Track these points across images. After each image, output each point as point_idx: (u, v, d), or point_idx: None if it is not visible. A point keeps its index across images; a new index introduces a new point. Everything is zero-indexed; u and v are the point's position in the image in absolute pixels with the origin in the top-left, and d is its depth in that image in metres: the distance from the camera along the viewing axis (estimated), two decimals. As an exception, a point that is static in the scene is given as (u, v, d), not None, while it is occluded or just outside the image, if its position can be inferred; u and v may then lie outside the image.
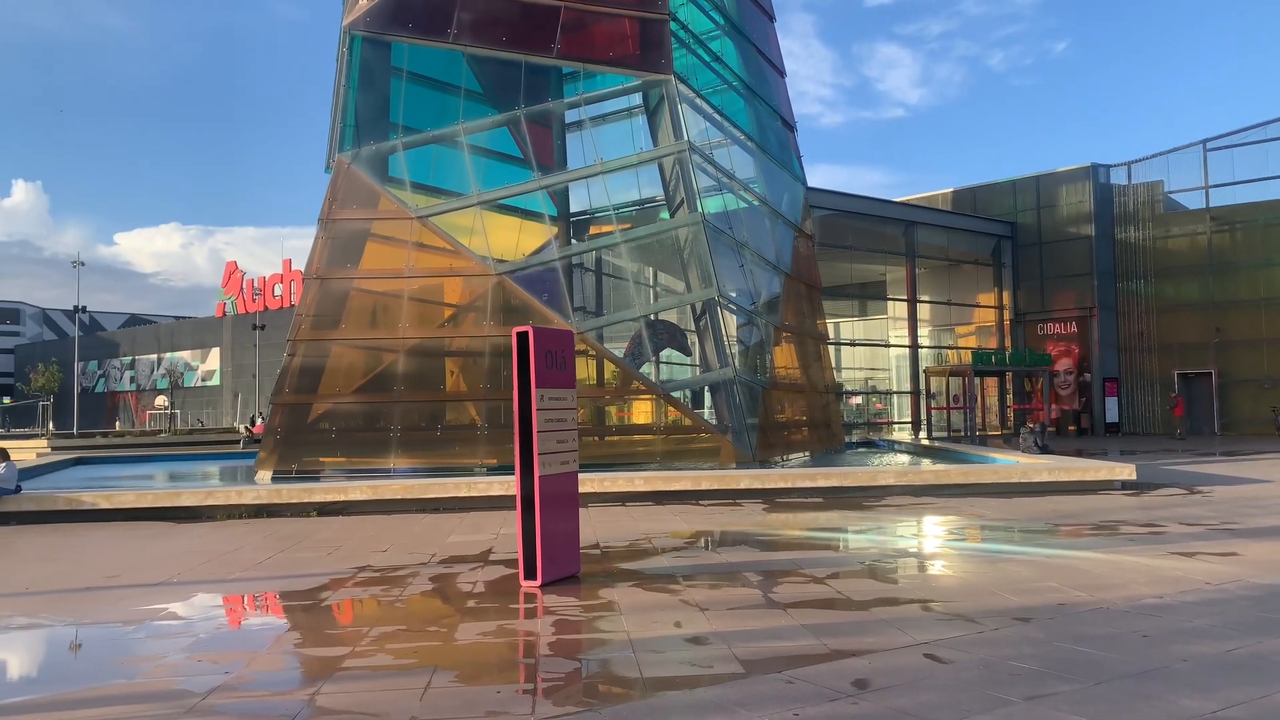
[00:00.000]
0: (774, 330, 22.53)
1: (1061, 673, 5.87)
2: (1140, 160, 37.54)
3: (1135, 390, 37.28)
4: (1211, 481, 18.05)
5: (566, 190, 23.55)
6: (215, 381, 74.70)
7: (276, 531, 13.22)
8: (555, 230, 22.45)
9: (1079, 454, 23.80)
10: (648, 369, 20.91)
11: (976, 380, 35.31)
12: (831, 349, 30.51)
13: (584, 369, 21.00)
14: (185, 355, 78.05)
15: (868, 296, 41.89)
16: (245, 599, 9.26)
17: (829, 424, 25.63)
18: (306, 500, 15.28)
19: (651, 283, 25.95)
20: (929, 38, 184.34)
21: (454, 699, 5.65)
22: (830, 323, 32.13)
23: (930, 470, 18.37)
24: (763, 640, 6.82)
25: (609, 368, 21.67)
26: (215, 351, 75.35)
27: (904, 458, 24.69)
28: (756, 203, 23.77)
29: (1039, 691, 5.51)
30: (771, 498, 15.94)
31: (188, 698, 5.73)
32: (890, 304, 40.71)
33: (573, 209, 24.34)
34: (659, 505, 15.32)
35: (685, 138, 20.17)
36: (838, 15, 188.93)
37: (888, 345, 40.49)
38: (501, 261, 20.00)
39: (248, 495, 15.61)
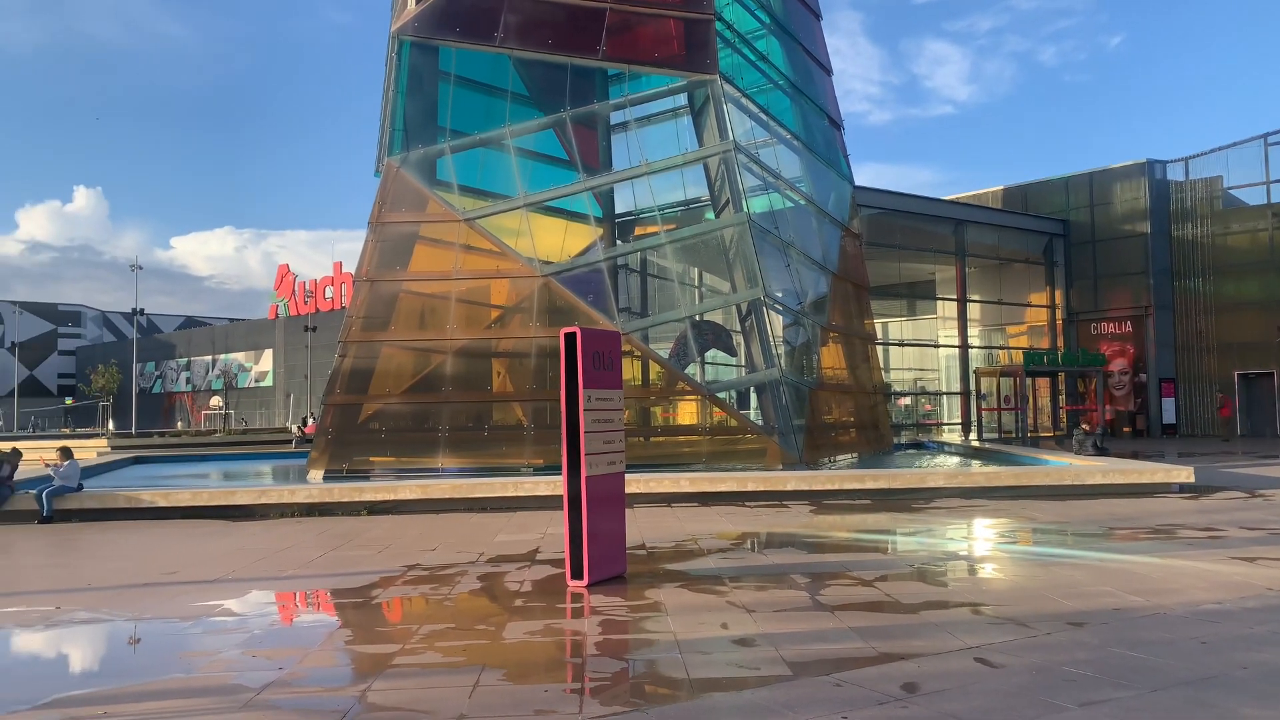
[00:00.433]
0: (821, 330, 22.37)
1: (1117, 679, 5.75)
2: (1198, 155, 36.64)
3: (1193, 391, 36.38)
4: (1273, 485, 17.56)
5: (612, 191, 23.60)
6: (268, 382, 76.08)
7: (328, 530, 13.43)
8: (600, 231, 22.52)
9: (1135, 456, 23.30)
10: (693, 370, 20.87)
11: (1028, 381, 34.73)
12: (880, 349, 30.19)
13: (629, 370, 21.04)
14: (239, 357, 79.63)
15: (916, 296, 41.40)
16: (298, 596, 9.42)
17: (877, 425, 25.38)
18: (357, 499, 15.51)
19: (697, 283, 25.91)
20: (978, 34, 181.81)
21: (502, 697, 5.70)
22: (878, 323, 31.81)
23: (981, 472, 18.11)
24: (810, 642, 6.78)
25: (654, 369, 21.68)
26: (268, 353, 76.75)
27: (954, 459, 24.37)
28: (803, 202, 23.62)
29: (1093, 698, 5.41)
30: (819, 499, 15.83)
31: (243, 693, 5.85)
32: (939, 304, 40.19)
33: (618, 210, 24.39)
34: (704, 506, 15.30)
35: (730, 137, 20.11)
36: (885, 12, 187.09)
37: (937, 345, 39.98)
38: (547, 263, 20.11)
39: (300, 494, 15.88)
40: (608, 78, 22.47)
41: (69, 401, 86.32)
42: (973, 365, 36.83)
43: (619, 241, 23.93)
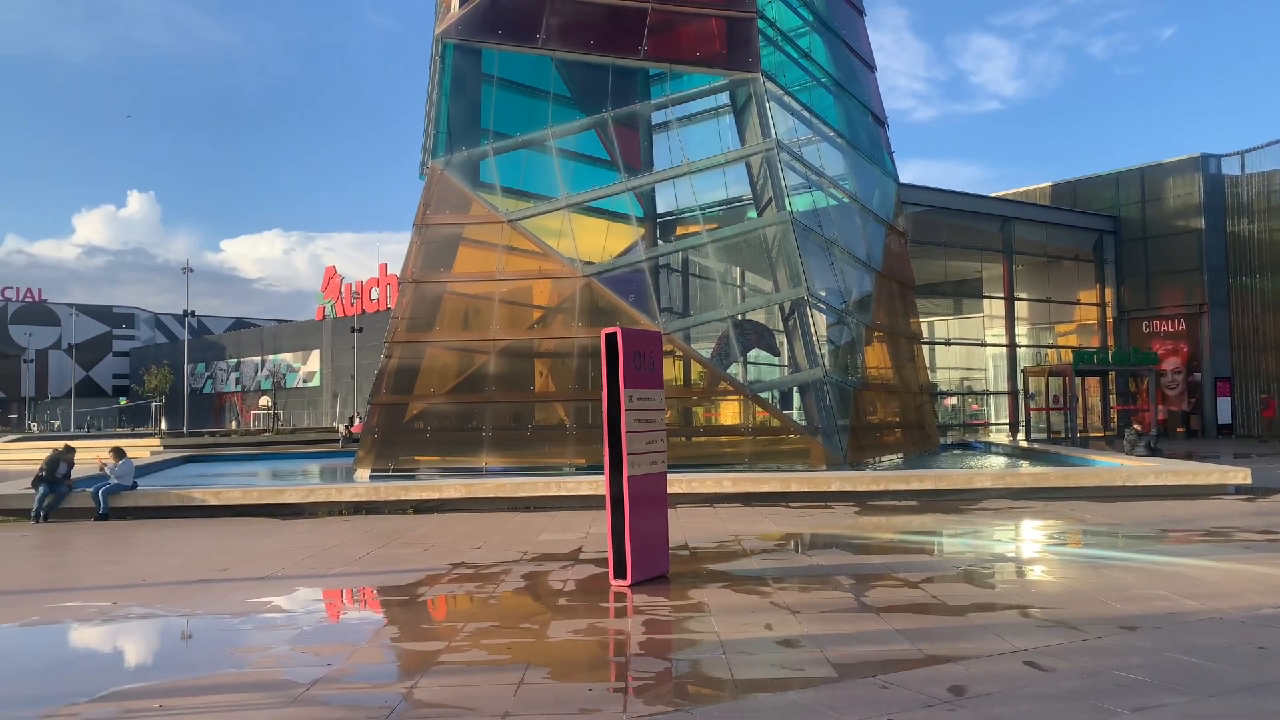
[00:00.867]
0: (865, 330, 22.17)
1: (1171, 684, 5.63)
2: (1254, 149, 35.68)
3: (1250, 390, 35.45)
4: (1335, 486, 17.07)
5: (653, 191, 23.60)
6: (316, 383, 77.18)
7: (374, 528, 13.59)
8: (642, 231, 22.52)
9: (1189, 457, 22.79)
10: (735, 370, 20.80)
11: (1077, 380, 34.08)
12: (925, 348, 29.86)
13: (671, 370, 21.02)
14: (287, 357, 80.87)
15: (963, 294, 40.85)
16: (345, 593, 9.55)
17: (923, 425, 25.10)
18: (403, 498, 15.68)
19: (739, 283, 25.82)
20: (1026, 27, 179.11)
21: (547, 695, 5.73)
22: (924, 321, 31.45)
23: (1029, 473, 17.83)
24: (855, 644, 6.72)
25: (696, 368, 21.63)
26: (315, 354, 77.86)
27: (1001, 460, 24.02)
28: (846, 200, 23.42)
29: (1147, 703, 5.30)
30: (863, 500, 15.70)
31: (292, 688, 5.94)
32: (986, 302, 39.62)
33: (659, 210, 24.38)
34: (747, 507, 15.24)
35: (773, 136, 20.01)
36: (930, 7, 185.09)
37: (984, 344, 39.42)
38: (589, 263, 20.17)
39: (347, 493, 16.10)
40: (649, 77, 22.48)
41: (123, 402, 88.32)
42: (1020, 364, 36.26)
43: (660, 241, 23.92)
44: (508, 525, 13.58)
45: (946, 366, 41.03)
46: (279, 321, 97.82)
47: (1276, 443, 30.82)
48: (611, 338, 9.03)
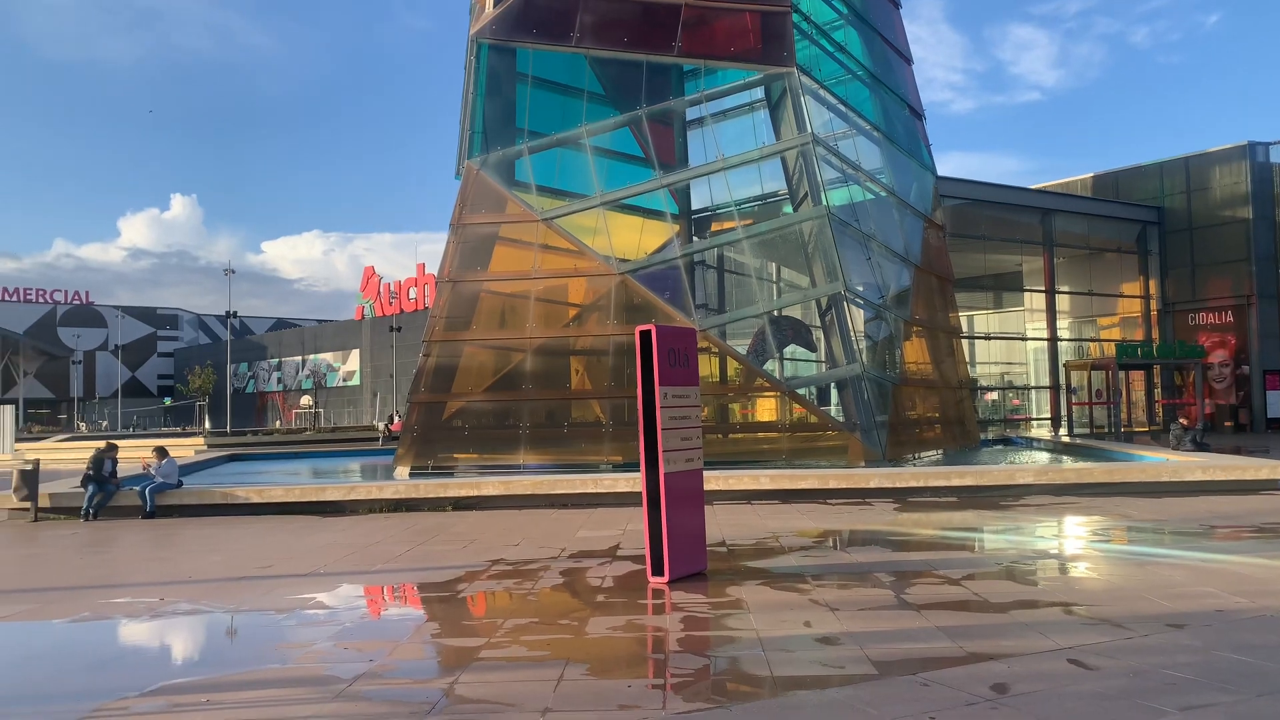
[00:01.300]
0: (903, 324, 21.98)
1: (1221, 683, 5.53)
2: (1304, 136, 34.82)
3: (1301, 383, 34.65)
4: (1390, 481, 16.62)
5: (688, 188, 23.55)
6: (355, 382, 78.03)
7: (414, 525, 13.72)
8: (677, 228, 22.50)
9: (1237, 451, 22.34)
10: (772, 366, 20.71)
11: (1121, 374, 33.53)
12: (965, 343, 29.51)
13: (707, 366, 20.98)
14: (327, 357, 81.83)
15: (1003, 288, 40.33)
16: (386, 590, 9.65)
17: (963, 421, 24.84)
18: (442, 495, 15.82)
19: (775, 278, 25.70)
20: (1066, 16, 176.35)
21: (586, 692, 5.75)
22: (963, 316, 31.09)
23: (1071, 468, 17.58)
24: (895, 641, 6.67)
25: (732, 365, 21.58)
26: (355, 353, 78.71)
27: (1043, 455, 23.71)
28: (884, 194, 23.23)
29: (1195, 702, 5.21)
30: (903, 497, 15.57)
31: (335, 683, 6.02)
32: (1027, 295, 39.07)
33: (694, 206, 24.34)
34: (785, 504, 15.18)
35: (808, 130, 19.89)
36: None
37: (1024, 338, 38.90)
38: (624, 261, 20.19)
39: (387, 490, 16.27)
40: (683, 74, 22.44)
41: (168, 402, 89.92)
42: (1062, 358, 35.72)
43: (695, 238, 23.88)
44: (545, 522, 13.65)
45: (986, 361, 40.56)
46: (319, 321, 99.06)
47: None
48: (646, 335, 9.04)
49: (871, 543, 11.35)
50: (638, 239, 21.83)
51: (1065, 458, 22.08)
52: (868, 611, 7.63)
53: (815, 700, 5.48)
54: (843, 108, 22.55)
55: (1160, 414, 35.51)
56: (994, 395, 39.58)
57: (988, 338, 40.20)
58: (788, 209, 22.42)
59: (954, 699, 5.36)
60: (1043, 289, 36.07)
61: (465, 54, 22.29)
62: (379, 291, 78.72)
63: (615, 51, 20.84)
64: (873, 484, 15.94)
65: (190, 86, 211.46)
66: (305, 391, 79.89)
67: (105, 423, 76.27)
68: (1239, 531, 11.45)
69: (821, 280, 20.33)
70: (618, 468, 18.19)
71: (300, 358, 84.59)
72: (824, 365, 21.79)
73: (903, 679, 5.76)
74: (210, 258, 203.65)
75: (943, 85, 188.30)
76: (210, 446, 34.30)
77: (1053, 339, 35.76)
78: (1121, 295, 38.33)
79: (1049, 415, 35.81)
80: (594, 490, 15.72)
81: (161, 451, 16.41)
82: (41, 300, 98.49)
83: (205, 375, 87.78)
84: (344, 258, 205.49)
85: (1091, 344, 38.88)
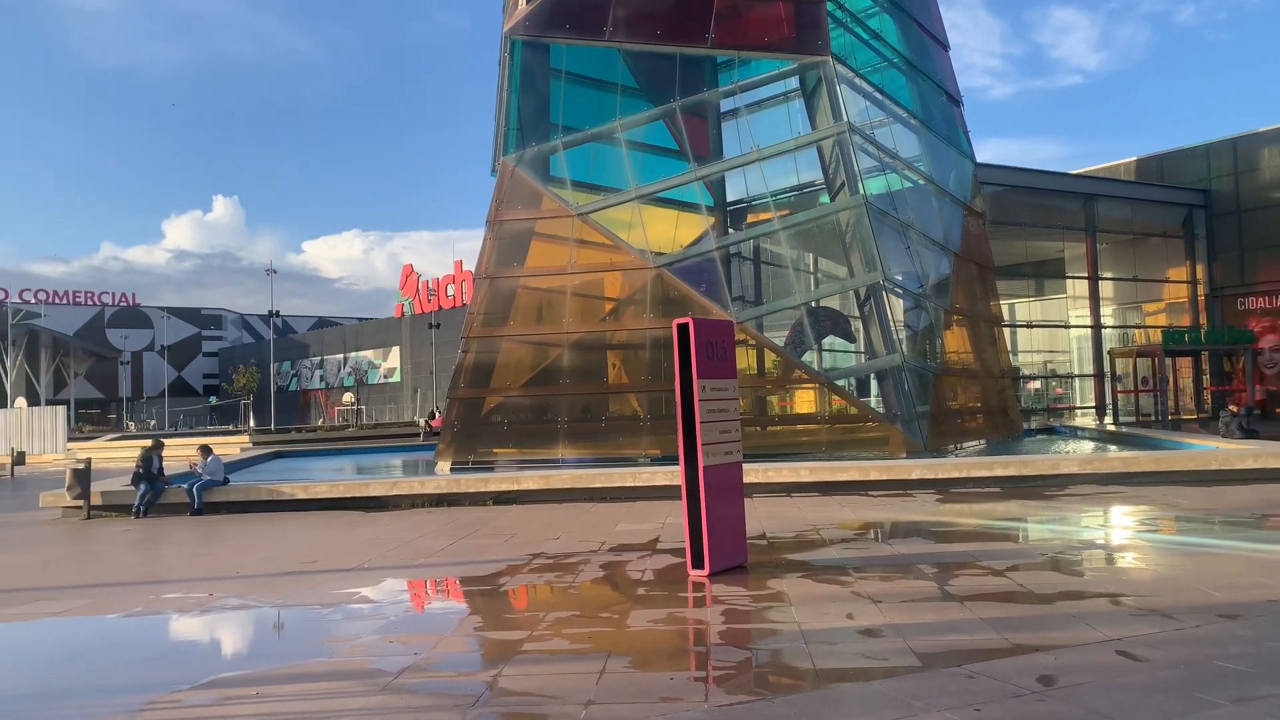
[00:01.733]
0: (944, 314, 21.73)
1: (1274, 674, 5.42)
2: (1357, 113, 33.88)
3: (1356, 368, 33.75)
4: None
5: (723, 179, 23.48)
6: (396, 378, 78.80)
7: (456, 519, 13.85)
8: (712, 220, 22.45)
9: (1289, 438, 21.81)
10: (810, 357, 20.59)
11: (1168, 361, 32.88)
12: (1006, 331, 29.15)
13: (744, 359, 20.92)
14: (369, 354, 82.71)
15: (1045, 275, 39.70)
16: (429, 584, 9.75)
17: (1005, 410, 24.53)
18: (483, 490, 15.95)
19: (812, 269, 25.54)
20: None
21: (628, 684, 5.77)
22: (1004, 304, 30.71)
23: (1118, 457, 17.29)
24: (939, 633, 6.62)
25: (770, 357, 21.50)
26: (395, 350, 79.48)
27: (1088, 444, 23.33)
28: (922, 181, 22.98)
29: (1249, 694, 5.11)
30: (945, 488, 15.42)
31: (381, 676, 6.10)
32: (1069, 282, 38.45)
33: (729, 198, 24.25)
34: (825, 496, 15.10)
35: (845, 118, 19.72)
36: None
37: (1067, 326, 38.30)
38: (659, 254, 20.18)
39: (429, 485, 16.43)
40: (717, 65, 22.37)
41: (213, 401, 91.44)
42: (1106, 346, 35.12)
43: (731, 230, 23.80)
44: (585, 515, 13.70)
45: (1029, 350, 39.98)
46: (360, 319, 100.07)
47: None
48: (683, 328, 9.03)
49: (913, 534, 11.26)
50: (673, 232, 21.81)
51: (1111, 446, 21.72)
52: (911, 603, 7.57)
53: (858, 693, 5.46)
54: (879, 96, 22.33)
55: (1209, 401, 34.79)
56: (1037, 384, 39.02)
57: (1030, 326, 39.61)
58: (824, 199, 22.26)
59: (1000, 691, 5.30)
60: (1085, 275, 35.46)
61: (499, 51, 22.39)
62: (418, 289, 79.32)
63: (648, 44, 20.82)
64: (914, 475, 15.81)
65: (230, 90, 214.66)
66: (347, 389, 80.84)
67: (153, 422, 77.75)
68: (1292, 520, 11.20)
69: (860, 270, 20.17)
70: (656, 461, 18.21)
71: (342, 355, 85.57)
72: (863, 356, 21.63)
73: (947, 671, 5.72)
74: (252, 258, 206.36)
75: (981, 71, 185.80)
76: (255, 444, 34.85)
77: (1096, 326, 35.16)
78: (1167, 280, 37.57)
79: (1093, 404, 35.23)
80: (633, 484, 15.75)
81: (206, 450, 16.71)
82: (90, 303, 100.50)
83: (249, 374, 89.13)
84: (383, 256, 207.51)
85: (1137, 331, 38.17)
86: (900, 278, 20.67)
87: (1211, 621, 6.65)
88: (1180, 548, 9.95)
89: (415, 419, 54.06)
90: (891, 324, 19.60)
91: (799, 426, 21.58)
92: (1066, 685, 5.37)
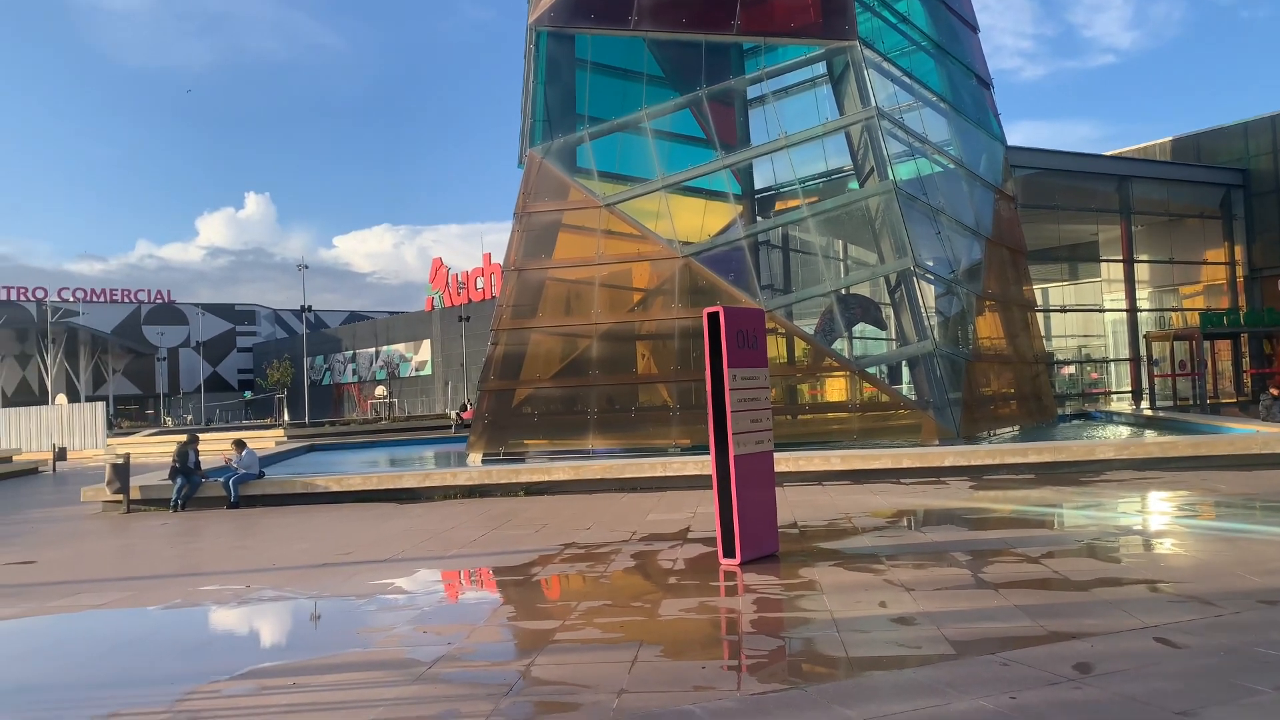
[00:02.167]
0: (976, 299, 21.51)
1: (1318, 662, 5.32)
2: (1401, 88, 33.04)
3: (1401, 348, 33.00)
4: None
5: (750, 167, 23.37)
6: (427, 371, 79.31)
7: (487, 510, 13.93)
8: (740, 208, 22.35)
9: (1333, 421, 21.37)
10: (840, 345, 20.47)
11: (1206, 344, 32.34)
12: (1040, 316, 28.80)
13: (774, 347, 20.83)
14: (400, 348, 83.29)
15: (1078, 259, 39.15)
16: (462, 574, 9.82)
17: (1039, 396, 24.26)
18: (514, 481, 16.03)
19: (841, 256, 25.38)
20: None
21: (661, 673, 5.78)
22: (1037, 288, 30.34)
23: (1154, 442, 17.03)
24: (973, 621, 6.56)
25: (800, 345, 21.40)
26: (426, 343, 79.98)
27: (1124, 429, 23.02)
28: (952, 166, 22.73)
29: (1292, 682, 5.02)
30: (978, 475, 15.29)
31: (416, 666, 6.16)
32: (1104, 265, 37.90)
33: (757, 186, 24.14)
34: (857, 484, 15.03)
35: (873, 103, 19.55)
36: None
37: (1102, 310, 37.76)
38: (687, 243, 20.13)
39: (461, 477, 16.54)
40: (743, 52, 22.22)
41: (248, 395, 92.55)
42: (1142, 329, 34.60)
43: (759, 218, 23.70)
44: (616, 506, 13.73)
45: (1063, 334, 39.49)
46: (391, 313, 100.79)
47: None
48: (714, 317, 9.00)
49: (947, 521, 11.18)
50: (701, 221, 21.75)
51: (1148, 431, 21.42)
52: (944, 591, 7.51)
53: (892, 681, 5.43)
54: (907, 80, 22.11)
55: (1249, 384, 34.18)
56: (1071, 369, 38.55)
57: (1063, 310, 39.13)
58: (853, 185, 22.08)
59: (1036, 678, 5.25)
60: (1120, 259, 34.95)
61: (525, 43, 22.40)
62: (447, 282, 79.70)
63: (674, 33, 20.74)
64: (947, 462, 15.68)
65: (260, 87, 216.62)
66: (379, 382, 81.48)
67: (190, 417, 78.87)
68: (1336, 504, 10.98)
69: (890, 256, 20.01)
70: (686, 451, 18.21)
71: (374, 349, 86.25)
72: (894, 343, 21.47)
73: (982, 659, 5.67)
74: (284, 254, 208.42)
75: (1012, 52, 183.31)
76: (290, 438, 35.26)
77: (1132, 310, 34.65)
78: (1205, 262, 36.94)
79: (1129, 388, 34.75)
80: (663, 474, 15.76)
81: (240, 444, 16.91)
82: (127, 300, 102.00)
83: (283, 368, 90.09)
84: (413, 250, 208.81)
85: (1173, 314, 37.58)
86: (931, 263, 20.48)
87: (1252, 608, 6.54)
88: (1219, 533, 9.79)
89: (447, 411, 54.45)
90: (923, 310, 19.44)
91: (830, 415, 21.48)
92: (1103, 673, 5.31)
